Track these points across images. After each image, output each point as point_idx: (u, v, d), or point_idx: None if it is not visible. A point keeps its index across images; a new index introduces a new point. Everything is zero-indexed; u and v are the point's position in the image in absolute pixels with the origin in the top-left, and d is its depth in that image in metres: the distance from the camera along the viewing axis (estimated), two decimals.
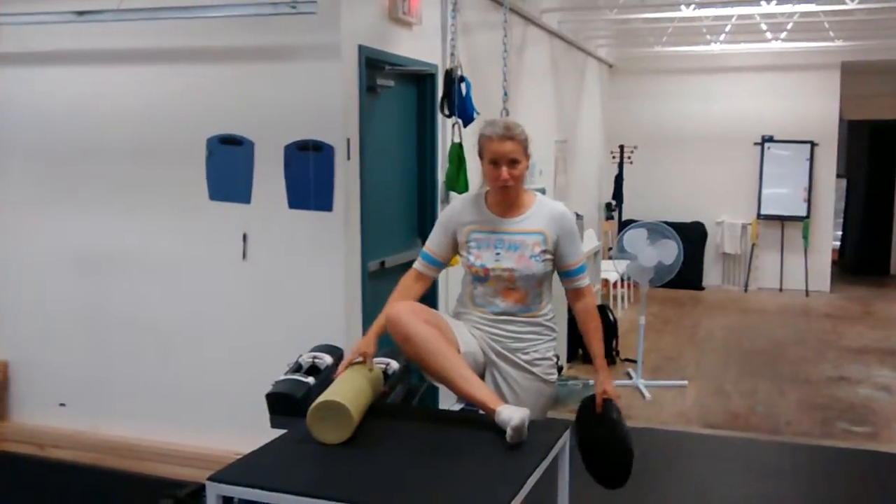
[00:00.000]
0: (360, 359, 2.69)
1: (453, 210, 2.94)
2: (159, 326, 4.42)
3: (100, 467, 4.37)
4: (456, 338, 2.74)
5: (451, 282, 4.84)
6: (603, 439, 2.85)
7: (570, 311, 6.05)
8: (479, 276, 2.83)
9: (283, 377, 2.79)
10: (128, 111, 4.38)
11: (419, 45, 4.75)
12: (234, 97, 4.15)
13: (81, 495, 4.17)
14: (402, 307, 2.67)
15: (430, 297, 4.92)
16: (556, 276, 2.96)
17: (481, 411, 2.57)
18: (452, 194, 4.99)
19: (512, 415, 2.39)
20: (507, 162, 2.74)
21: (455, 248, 2.93)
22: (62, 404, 4.66)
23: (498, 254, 2.80)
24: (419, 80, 4.90)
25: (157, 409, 4.46)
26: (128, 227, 4.44)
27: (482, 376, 2.80)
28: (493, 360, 2.84)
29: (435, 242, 2.93)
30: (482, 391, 2.57)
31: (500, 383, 2.82)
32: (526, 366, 2.84)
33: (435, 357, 2.58)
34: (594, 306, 2.95)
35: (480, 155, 2.83)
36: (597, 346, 2.90)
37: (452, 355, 2.62)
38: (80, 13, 4.11)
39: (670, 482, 4.46)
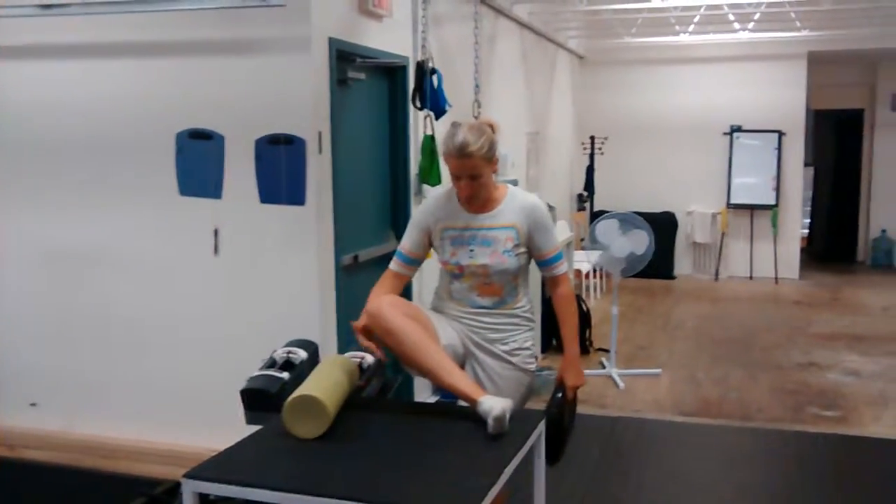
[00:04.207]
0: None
1: (426, 208, 2.95)
2: (131, 324, 4.38)
3: (73, 467, 4.32)
4: (436, 330, 2.75)
5: (425, 276, 4.84)
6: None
7: (543, 302, 6.13)
8: (455, 273, 2.85)
9: (257, 373, 2.77)
10: (95, 106, 4.32)
11: (390, 38, 4.73)
12: (204, 91, 4.11)
13: (54, 496, 4.12)
14: (382, 301, 2.67)
15: (404, 291, 4.91)
16: (531, 270, 2.97)
17: (461, 402, 2.58)
18: (425, 187, 4.98)
19: (493, 405, 2.40)
20: (467, 177, 2.74)
21: (430, 245, 2.94)
22: (33, 404, 4.60)
23: (472, 250, 2.81)
24: (390, 72, 4.88)
25: (131, 407, 4.42)
26: (97, 224, 4.39)
27: (462, 368, 2.80)
28: (473, 351, 2.85)
29: (410, 242, 2.93)
30: (464, 382, 2.57)
31: (480, 374, 2.83)
32: (505, 356, 2.85)
33: (416, 350, 2.59)
34: (568, 293, 2.94)
35: (445, 159, 2.82)
36: (566, 331, 2.93)
37: (433, 348, 2.63)
38: (46, 6, 4.06)
39: (644, 469, 4.50)
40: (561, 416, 2.87)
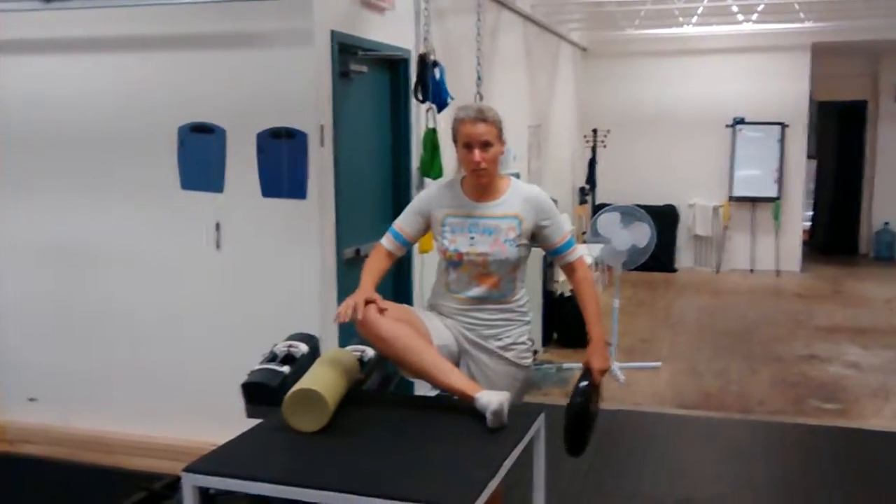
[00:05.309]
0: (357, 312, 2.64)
1: (429, 194, 2.95)
2: (132, 318, 4.38)
3: (73, 462, 4.33)
4: (428, 330, 2.75)
5: (426, 274, 4.84)
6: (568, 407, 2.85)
7: (544, 297, 6.13)
8: (454, 261, 2.84)
9: (258, 367, 2.78)
10: (98, 100, 4.32)
11: (392, 30, 4.72)
12: (206, 85, 4.11)
13: (54, 491, 4.14)
14: (370, 309, 2.66)
15: (404, 291, 4.92)
16: (531, 263, 2.97)
17: (457, 398, 2.58)
18: (427, 180, 4.98)
19: (490, 399, 2.41)
20: (480, 144, 2.74)
21: (425, 232, 2.95)
22: (32, 399, 4.61)
23: (472, 238, 2.81)
24: (392, 65, 4.87)
25: (131, 401, 4.42)
26: (99, 218, 4.39)
27: (457, 366, 2.81)
28: (467, 348, 2.85)
29: (406, 222, 2.94)
30: (459, 380, 2.58)
31: (474, 371, 2.83)
32: (499, 352, 2.84)
33: (409, 353, 2.60)
34: (588, 277, 2.94)
35: (455, 139, 2.83)
36: (589, 314, 2.90)
37: (426, 349, 2.63)
38: (48, 0, 4.04)
39: (645, 462, 4.51)
40: (587, 405, 2.82)
